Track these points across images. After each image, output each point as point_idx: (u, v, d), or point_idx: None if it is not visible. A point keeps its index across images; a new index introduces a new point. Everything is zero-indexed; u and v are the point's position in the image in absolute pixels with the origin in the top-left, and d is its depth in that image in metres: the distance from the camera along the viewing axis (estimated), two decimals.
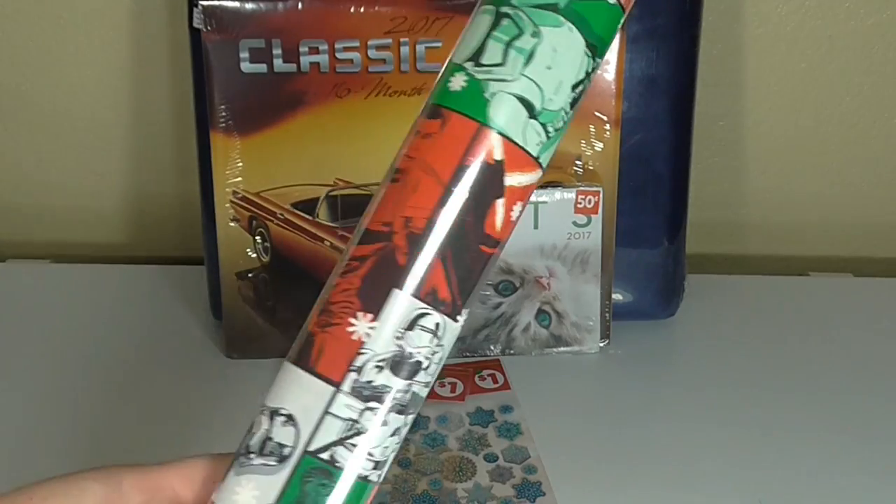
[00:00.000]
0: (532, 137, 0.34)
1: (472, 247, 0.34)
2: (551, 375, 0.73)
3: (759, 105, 0.88)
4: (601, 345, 0.76)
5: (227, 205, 0.72)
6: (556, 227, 0.73)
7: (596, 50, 0.34)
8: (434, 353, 0.35)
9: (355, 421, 0.34)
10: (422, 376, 0.35)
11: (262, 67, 0.69)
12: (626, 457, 0.65)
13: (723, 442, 0.67)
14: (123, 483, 0.35)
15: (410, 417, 0.35)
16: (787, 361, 0.75)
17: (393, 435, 0.34)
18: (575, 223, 0.73)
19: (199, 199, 0.76)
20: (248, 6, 0.68)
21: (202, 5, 0.68)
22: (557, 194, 0.72)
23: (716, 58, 0.85)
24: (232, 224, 0.73)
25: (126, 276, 0.86)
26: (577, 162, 0.73)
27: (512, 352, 0.75)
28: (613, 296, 0.76)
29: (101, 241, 0.93)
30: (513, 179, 0.34)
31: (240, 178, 0.72)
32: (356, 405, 0.34)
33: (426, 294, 0.34)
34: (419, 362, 0.34)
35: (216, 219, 0.73)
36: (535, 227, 0.72)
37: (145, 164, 0.91)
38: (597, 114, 0.72)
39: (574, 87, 0.34)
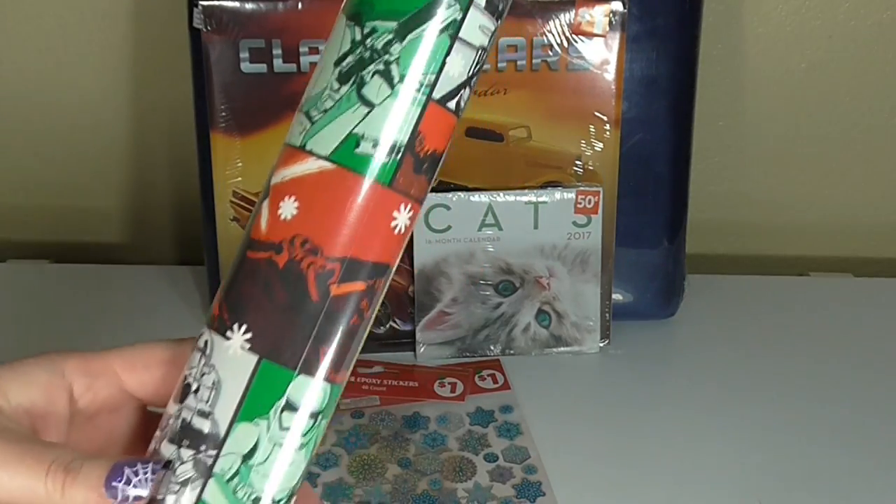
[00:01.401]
0: (295, 129, 0.34)
1: (239, 255, 0.34)
2: (551, 375, 0.73)
3: (759, 105, 0.88)
4: (601, 345, 0.76)
5: (227, 205, 0.72)
6: (556, 227, 0.73)
7: (359, 17, 0.33)
8: (203, 374, 0.33)
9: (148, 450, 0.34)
10: (191, 401, 0.33)
11: (262, 67, 0.69)
12: (626, 456, 0.65)
13: (722, 442, 0.67)
14: (66, 367, 0.36)
15: (187, 453, 0.33)
16: (786, 361, 0.75)
17: (166, 467, 0.33)
18: (575, 223, 0.73)
19: (199, 199, 0.76)
20: (248, 6, 0.68)
21: (202, 5, 0.68)
22: (557, 194, 0.72)
23: (716, 58, 0.85)
24: (232, 224, 0.73)
25: (126, 276, 0.86)
26: (577, 162, 0.73)
27: (512, 352, 0.75)
28: (613, 296, 0.76)
29: (101, 241, 0.93)
30: (278, 177, 0.33)
31: (240, 178, 0.72)
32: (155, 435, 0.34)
33: (207, 313, 0.34)
34: (188, 384, 0.33)
35: (216, 219, 0.73)
36: (535, 227, 0.72)
37: (145, 164, 0.91)
38: (597, 114, 0.72)
39: (338, 61, 0.33)
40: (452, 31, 0.32)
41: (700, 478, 0.63)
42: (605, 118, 0.72)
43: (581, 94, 0.71)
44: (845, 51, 0.86)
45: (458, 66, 0.33)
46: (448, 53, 0.32)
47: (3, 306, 0.81)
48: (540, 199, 0.72)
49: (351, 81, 0.32)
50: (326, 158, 0.33)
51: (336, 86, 0.33)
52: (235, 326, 0.33)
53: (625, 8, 0.70)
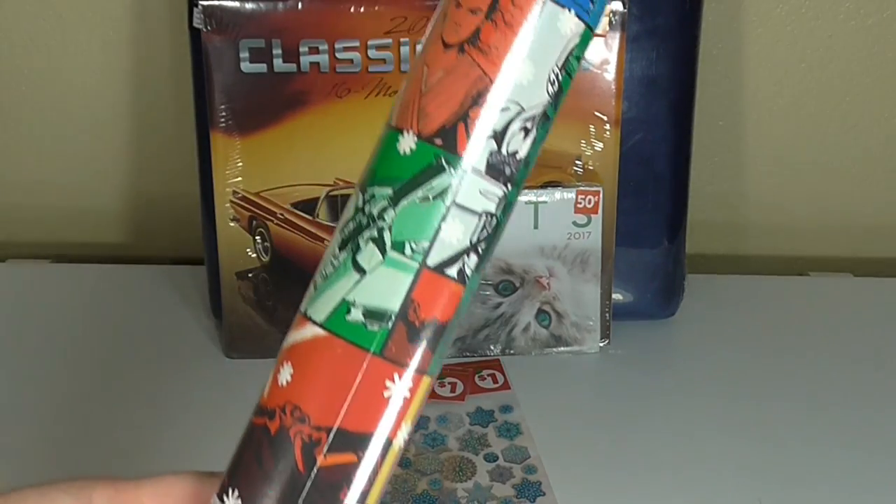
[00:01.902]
0: (305, 296, 0.33)
1: (249, 420, 0.33)
2: (551, 375, 0.73)
3: (759, 105, 0.88)
4: (601, 345, 0.76)
5: (227, 205, 0.72)
6: (556, 227, 0.73)
7: (364, 184, 0.33)
8: None
9: None
10: None
11: (262, 67, 0.69)
12: (626, 457, 0.65)
13: (722, 442, 0.67)
14: (94, 494, 0.35)
15: None
16: (786, 361, 0.75)
17: None
18: (575, 223, 0.73)
19: (199, 199, 0.76)
20: (248, 6, 0.68)
21: (202, 5, 0.68)
22: (557, 194, 0.72)
23: (716, 58, 0.85)
24: (232, 224, 0.73)
25: (126, 276, 0.86)
26: (577, 162, 0.73)
27: (512, 352, 0.75)
28: (613, 296, 0.76)
29: (101, 241, 0.93)
30: (285, 342, 0.33)
31: (240, 178, 0.72)
32: None
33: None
34: None
35: (216, 219, 0.73)
36: (535, 227, 0.72)
37: (145, 164, 0.91)
38: (597, 114, 0.72)
39: (342, 228, 0.33)
40: (448, 196, 0.31)
41: (700, 478, 0.63)
42: (605, 118, 0.72)
43: (581, 94, 0.71)
44: (845, 51, 0.86)
45: (457, 232, 0.32)
46: (443, 219, 0.31)
47: (3, 306, 0.81)
48: (540, 199, 0.72)
49: (348, 248, 0.32)
50: (321, 325, 0.32)
51: (336, 252, 0.32)
52: (230, 491, 0.32)
53: (625, 8, 0.70)
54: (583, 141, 0.72)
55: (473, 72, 0.32)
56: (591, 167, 0.73)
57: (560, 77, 0.33)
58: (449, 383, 0.71)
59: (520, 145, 0.32)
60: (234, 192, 0.72)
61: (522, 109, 0.32)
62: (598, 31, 0.71)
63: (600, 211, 0.72)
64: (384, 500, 0.62)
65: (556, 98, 0.33)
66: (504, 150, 0.32)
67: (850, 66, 0.86)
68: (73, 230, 0.93)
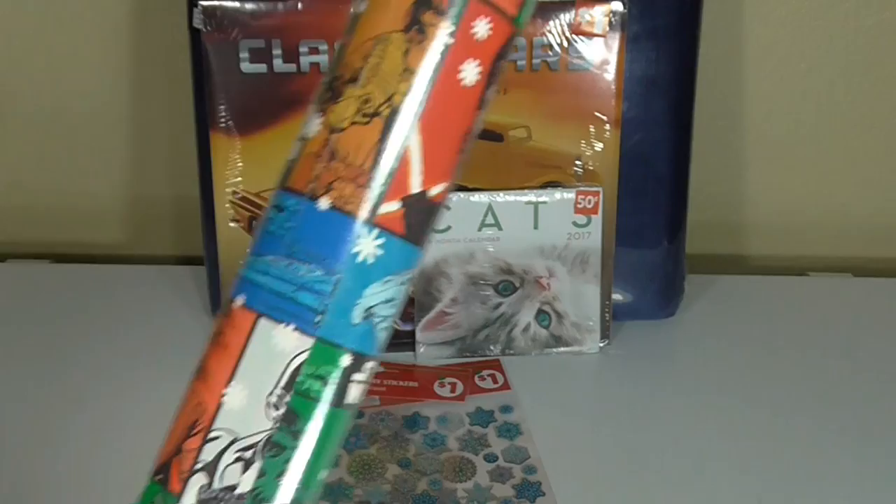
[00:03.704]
0: None
1: None
2: (551, 375, 0.73)
3: (759, 105, 0.88)
4: (601, 345, 0.76)
5: (227, 205, 0.72)
6: (556, 228, 0.73)
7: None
8: None
9: None
10: None
11: (262, 67, 0.69)
12: (626, 457, 0.65)
13: (722, 441, 0.67)
14: None
15: None
16: (786, 361, 0.75)
17: None
18: (575, 223, 0.73)
19: (199, 199, 0.76)
20: (248, 6, 0.68)
21: (202, 5, 0.68)
22: (557, 194, 0.72)
23: (716, 58, 0.85)
24: (232, 224, 0.73)
25: (126, 276, 0.86)
26: (577, 162, 0.73)
27: (512, 352, 0.75)
28: (613, 296, 0.76)
29: (101, 241, 0.93)
30: None
31: (240, 178, 0.72)
32: None
33: None
34: None
35: (216, 219, 0.73)
36: (535, 227, 0.72)
37: (145, 164, 0.91)
38: (597, 114, 0.72)
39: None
40: None
41: (700, 477, 0.63)
42: (605, 118, 0.72)
43: (581, 94, 0.71)
44: (845, 51, 0.86)
45: None
46: None
47: (3, 306, 0.81)
48: (540, 199, 0.72)
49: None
50: None
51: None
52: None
53: (625, 8, 0.70)
54: (583, 141, 0.72)
55: (194, 400, 0.30)
56: (591, 167, 0.73)
57: (288, 399, 0.29)
58: (449, 384, 0.71)
59: (237, 478, 0.29)
60: (234, 192, 0.72)
61: (236, 438, 0.29)
62: (599, 30, 0.72)
63: (600, 211, 0.72)
64: (385, 500, 0.62)
65: (291, 423, 0.29)
66: (216, 485, 0.29)
67: (850, 66, 0.86)
68: (73, 230, 0.93)
